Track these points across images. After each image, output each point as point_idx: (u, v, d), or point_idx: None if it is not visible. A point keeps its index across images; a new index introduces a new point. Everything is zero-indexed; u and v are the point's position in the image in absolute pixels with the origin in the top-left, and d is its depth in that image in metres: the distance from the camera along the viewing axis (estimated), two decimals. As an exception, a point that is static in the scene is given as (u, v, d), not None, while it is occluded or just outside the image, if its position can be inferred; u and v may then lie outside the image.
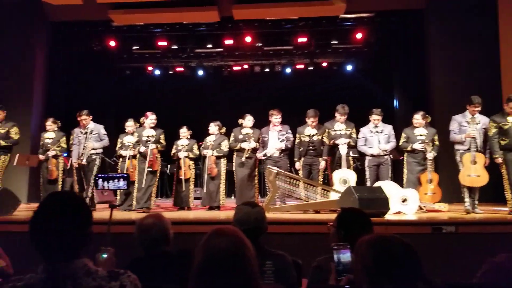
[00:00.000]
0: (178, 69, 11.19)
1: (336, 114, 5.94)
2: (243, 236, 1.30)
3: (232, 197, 7.98)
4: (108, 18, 8.79)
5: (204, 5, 8.48)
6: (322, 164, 5.90)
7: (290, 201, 5.82)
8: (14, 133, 6.14)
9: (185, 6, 8.48)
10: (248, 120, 6.40)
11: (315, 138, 5.94)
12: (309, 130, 5.96)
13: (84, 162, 5.98)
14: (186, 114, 10.12)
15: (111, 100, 11.30)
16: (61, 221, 1.25)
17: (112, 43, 9.99)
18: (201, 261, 1.23)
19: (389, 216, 4.71)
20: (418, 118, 5.84)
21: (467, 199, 5.19)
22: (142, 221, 2.23)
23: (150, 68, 11.28)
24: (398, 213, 5.07)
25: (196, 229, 4.13)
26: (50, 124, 6.81)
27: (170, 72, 11.30)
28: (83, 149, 5.98)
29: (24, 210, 5.68)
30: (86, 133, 6.08)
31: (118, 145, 6.76)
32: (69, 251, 1.26)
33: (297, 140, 6.05)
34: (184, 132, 6.78)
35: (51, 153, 6.58)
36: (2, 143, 5.96)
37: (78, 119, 6.18)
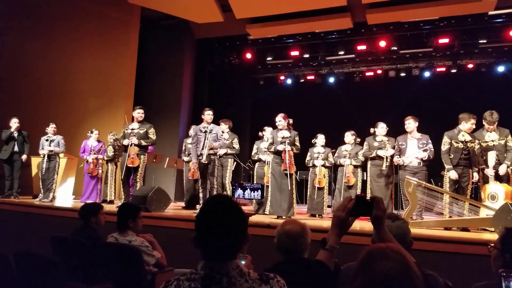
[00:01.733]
0: (309, 77, 11.41)
1: (484, 123, 5.26)
2: (406, 254, 1.18)
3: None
4: (245, 32, 9.47)
5: (337, 12, 8.48)
6: (476, 176, 5.31)
7: (428, 215, 5.39)
8: (152, 134, 6.49)
9: (317, 15, 8.61)
10: (381, 128, 6.15)
11: (469, 145, 5.22)
12: (464, 136, 5.23)
13: (204, 160, 5.55)
14: (318, 122, 10.20)
15: (246, 108, 12.07)
16: (224, 223, 1.33)
17: (248, 55, 10.72)
18: (364, 286, 1.13)
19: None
20: None
21: None
22: (285, 226, 2.22)
23: (282, 77, 11.74)
24: None
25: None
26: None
27: (301, 80, 11.57)
28: (202, 148, 5.60)
29: (172, 208, 6.27)
30: (205, 131, 5.69)
31: (254, 151, 7.11)
32: (228, 251, 1.34)
33: (447, 146, 5.30)
34: (321, 140, 6.78)
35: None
36: (143, 143, 6.35)
37: (202, 116, 5.91)
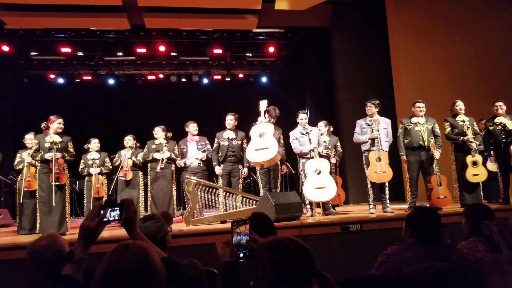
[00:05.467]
0: (85, 77, 10.55)
1: (266, 116, 5.62)
2: (150, 251, 1.21)
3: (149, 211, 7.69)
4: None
5: (113, 11, 8.14)
6: (245, 171, 5.92)
7: (210, 211, 5.75)
8: None
9: (91, 12, 8.06)
10: (157, 131, 6.20)
11: (234, 142, 5.84)
12: (228, 133, 5.87)
13: None
14: (95, 125, 9.54)
15: (7, 110, 10.23)
16: None
17: (5, 48, 9.07)
18: (106, 283, 1.12)
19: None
20: (321, 125, 6.32)
21: (371, 198, 5.58)
22: (34, 244, 2.11)
23: (52, 76, 10.46)
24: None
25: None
26: None
27: (77, 80, 10.59)
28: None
29: None
30: None
31: (17, 160, 6.12)
32: None
33: (215, 145, 5.90)
34: (95, 144, 6.40)
35: None
36: None
37: None
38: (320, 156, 5.57)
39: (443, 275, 2.06)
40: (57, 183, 4.99)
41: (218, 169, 5.83)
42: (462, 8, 8.26)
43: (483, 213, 2.57)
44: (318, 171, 5.35)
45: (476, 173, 5.59)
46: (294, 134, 5.83)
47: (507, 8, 8.14)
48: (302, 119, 5.75)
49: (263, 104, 5.46)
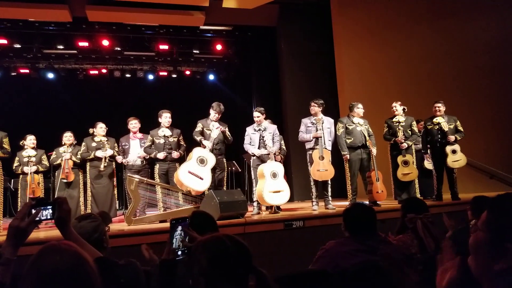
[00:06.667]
0: (22, 71, 9.92)
1: (211, 111, 5.67)
2: (81, 251, 1.19)
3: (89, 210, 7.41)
4: None
5: (53, 2, 7.74)
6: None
7: (153, 211, 5.65)
8: None
9: (30, 2, 7.62)
10: (100, 128, 6.01)
11: (170, 139, 5.71)
12: (164, 131, 5.71)
13: None
14: (29, 121, 9.03)
15: None
16: None
17: None
18: (34, 285, 1.08)
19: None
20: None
21: (314, 195, 5.76)
22: None
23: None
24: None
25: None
26: None
27: (13, 73, 9.93)
28: None
29: None
30: None
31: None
32: None
33: (149, 143, 5.70)
34: (31, 141, 6.07)
35: None
36: None
37: None
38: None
39: (376, 268, 2.20)
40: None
41: (161, 154, 5.57)
42: (400, 13, 8.68)
43: (417, 207, 2.64)
44: (274, 175, 5.45)
45: (406, 172, 5.94)
46: (248, 130, 5.86)
47: (441, 13, 8.66)
48: (255, 117, 5.76)
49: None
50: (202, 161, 5.21)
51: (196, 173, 5.11)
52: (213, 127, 5.49)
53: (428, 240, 2.29)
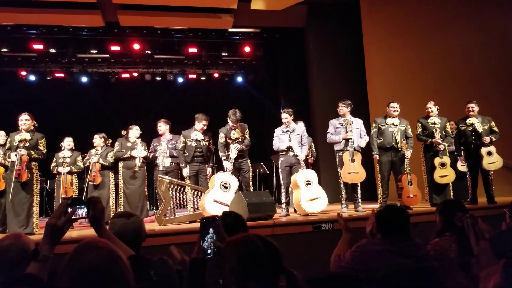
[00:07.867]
0: (57, 75, 10.30)
1: (228, 121, 5.70)
2: (115, 248, 1.22)
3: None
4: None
5: (86, 8, 8.00)
6: (209, 171, 5.89)
7: (183, 211, 5.73)
8: None
9: (64, 8, 7.91)
10: (136, 130, 6.15)
11: (202, 143, 5.78)
12: (196, 135, 5.78)
13: None
14: (66, 123, 9.34)
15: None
16: None
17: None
18: (70, 281, 1.11)
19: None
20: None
21: (344, 197, 5.65)
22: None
23: (23, 73, 10.17)
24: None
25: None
26: None
27: (49, 78, 10.32)
28: None
29: None
30: None
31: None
32: None
33: (182, 145, 5.76)
34: (67, 142, 6.30)
35: None
36: None
37: None
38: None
39: (409, 271, 2.14)
40: (18, 181, 4.83)
41: (185, 171, 5.69)
42: (436, 9, 8.39)
43: (456, 207, 2.62)
44: (308, 183, 5.43)
45: (444, 175, 5.74)
46: (276, 131, 5.86)
47: (482, 9, 8.32)
48: (283, 118, 5.76)
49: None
50: (225, 187, 5.21)
51: (222, 200, 5.09)
52: (231, 148, 5.49)
53: (473, 239, 2.29)
